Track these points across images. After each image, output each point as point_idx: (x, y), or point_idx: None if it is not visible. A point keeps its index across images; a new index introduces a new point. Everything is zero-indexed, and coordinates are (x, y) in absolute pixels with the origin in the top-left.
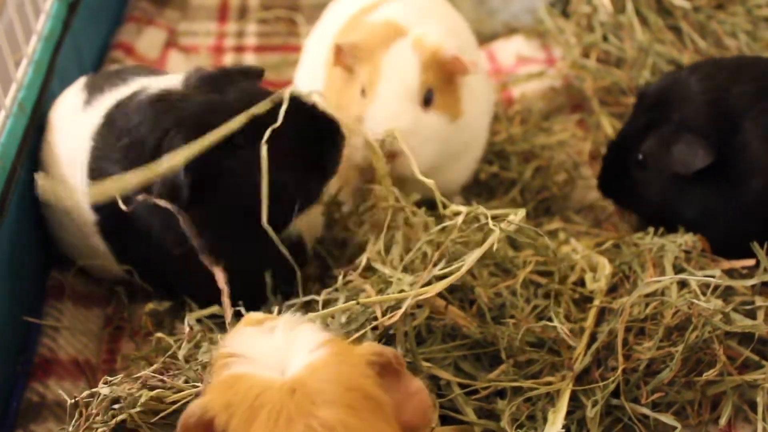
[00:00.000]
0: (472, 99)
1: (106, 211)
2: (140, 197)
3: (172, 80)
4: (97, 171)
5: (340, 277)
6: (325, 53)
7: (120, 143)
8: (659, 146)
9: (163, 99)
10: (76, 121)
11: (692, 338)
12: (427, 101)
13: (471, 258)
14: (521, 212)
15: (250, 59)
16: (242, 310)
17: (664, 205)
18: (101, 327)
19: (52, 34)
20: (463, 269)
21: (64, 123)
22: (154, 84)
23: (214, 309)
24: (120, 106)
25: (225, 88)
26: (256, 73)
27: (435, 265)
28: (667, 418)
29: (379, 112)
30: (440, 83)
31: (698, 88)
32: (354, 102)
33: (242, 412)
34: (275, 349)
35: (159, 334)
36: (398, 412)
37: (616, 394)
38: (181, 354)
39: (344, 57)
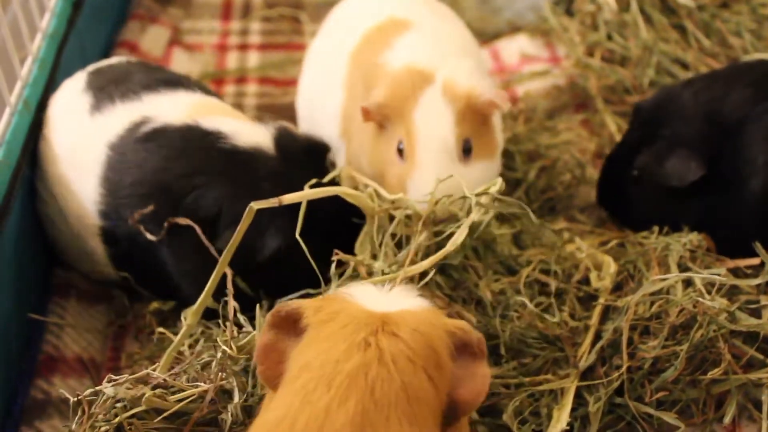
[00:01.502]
0: (497, 124)
1: (113, 217)
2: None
3: (256, 131)
4: (117, 183)
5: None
6: (339, 68)
7: (177, 180)
8: (652, 162)
9: (257, 160)
10: (81, 125)
11: (697, 337)
12: (466, 152)
13: (456, 236)
14: (498, 182)
15: (253, 57)
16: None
17: (661, 218)
18: (106, 325)
19: (57, 32)
20: (448, 247)
21: (65, 123)
22: (222, 126)
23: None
24: (166, 136)
25: (310, 164)
26: (328, 148)
27: (417, 252)
28: (669, 417)
29: (422, 182)
30: (476, 129)
31: (691, 102)
32: (392, 163)
33: (325, 314)
34: (382, 296)
35: (160, 329)
36: (456, 383)
37: (620, 392)
38: (191, 349)
39: (373, 116)
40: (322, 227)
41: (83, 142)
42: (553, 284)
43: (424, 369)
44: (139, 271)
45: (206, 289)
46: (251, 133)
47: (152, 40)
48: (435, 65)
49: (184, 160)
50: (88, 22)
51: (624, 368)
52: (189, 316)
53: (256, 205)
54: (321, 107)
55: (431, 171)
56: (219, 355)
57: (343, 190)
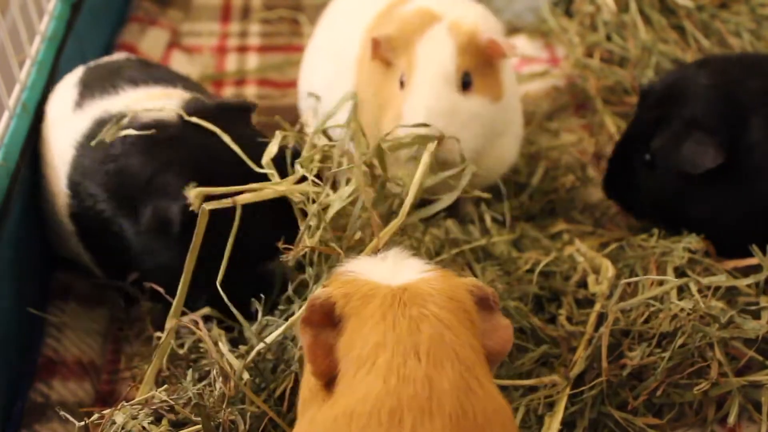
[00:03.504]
0: (509, 78)
1: (83, 223)
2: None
3: (162, 105)
4: (76, 185)
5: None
6: (351, 50)
7: (105, 167)
8: (669, 143)
9: (157, 132)
10: (65, 122)
11: (679, 344)
12: (465, 85)
13: (413, 187)
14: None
15: (253, 59)
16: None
17: (670, 205)
18: (105, 327)
19: (56, 34)
20: (406, 206)
21: (56, 120)
22: (145, 109)
23: (206, 310)
24: (103, 124)
25: (222, 128)
26: (250, 108)
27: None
28: (650, 429)
29: (416, 102)
30: (479, 66)
31: (708, 83)
32: (394, 96)
33: (358, 298)
34: (387, 267)
35: (157, 333)
36: (484, 337)
37: (610, 398)
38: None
39: (381, 50)
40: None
41: (63, 141)
42: (552, 287)
43: (469, 329)
44: (121, 270)
45: (180, 289)
46: (155, 110)
47: (151, 42)
48: (446, 8)
49: (107, 152)
50: (87, 24)
51: (604, 376)
52: (168, 321)
53: (208, 206)
54: (334, 93)
55: (425, 92)
56: (219, 387)
57: (292, 190)
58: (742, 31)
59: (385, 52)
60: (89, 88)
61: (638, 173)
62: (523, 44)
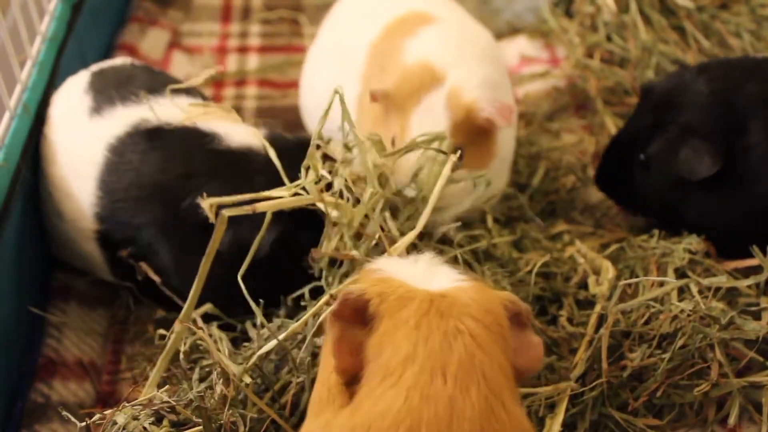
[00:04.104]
0: (508, 133)
1: (110, 220)
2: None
3: (238, 131)
4: (109, 185)
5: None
6: (357, 61)
7: (171, 179)
8: (665, 149)
9: (249, 158)
10: (81, 127)
11: (680, 344)
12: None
13: (433, 196)
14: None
15: (253, 60)
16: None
17: (665, 207)
18: (106, 328)
19: (56, 35)
20: (426, 211)
21: (66, 124)
22: (217, 128)
23: (207, 307)
24: (144, 131)
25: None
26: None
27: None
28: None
29: (404, 174)
30: (473, 137)
31: (706, 89)
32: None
33: (393, 299)
34: (420, 271)
35: (161, 331)
36: (515, 354)
37: (610, 399)
38: (189, 355)
39: (378, 100)
40: (315, 217)
41: (83, 146)
42: (553, 288)
43: (501, 347)
44: (138, 277)
45: (193, 289)
46: (243, 134)
47: (152, 42)
48: (448, 66)
49: (181, 162)
50: (87, 25)
51: (604, 378)
52: (177, 322)
53: (227, 212)
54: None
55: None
56: (219, 389)
57: (322, 199)
58: (742, 31)
59: (381, 102)
60: (104, 95)
61: (633, 172)
62: (523, 44)
